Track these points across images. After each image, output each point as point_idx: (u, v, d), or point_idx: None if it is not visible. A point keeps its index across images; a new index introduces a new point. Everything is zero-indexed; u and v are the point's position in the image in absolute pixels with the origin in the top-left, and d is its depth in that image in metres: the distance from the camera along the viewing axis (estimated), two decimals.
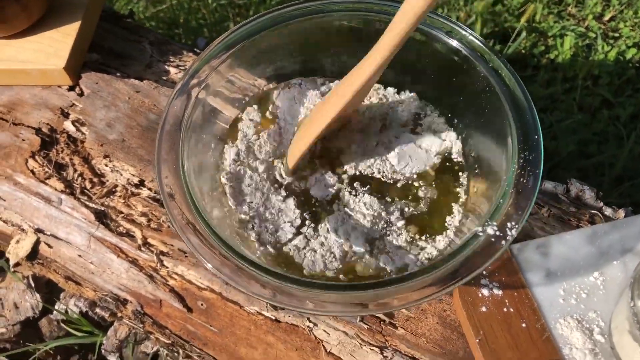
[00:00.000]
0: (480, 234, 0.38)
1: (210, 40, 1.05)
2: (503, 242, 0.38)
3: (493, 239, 0.38)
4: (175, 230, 0.41)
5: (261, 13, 0.50)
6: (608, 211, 0.53)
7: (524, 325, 0.44)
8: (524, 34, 1.04)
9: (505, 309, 0.44)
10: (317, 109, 0.48)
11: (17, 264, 0.59)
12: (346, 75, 0.44)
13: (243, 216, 0.46)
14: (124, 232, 0.55)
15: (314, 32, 0.51)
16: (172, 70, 0.65)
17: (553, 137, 0.95)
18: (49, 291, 0.61)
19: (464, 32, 0.47)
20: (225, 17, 1.13)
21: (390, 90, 0.54)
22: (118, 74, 0.64)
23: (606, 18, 1.12)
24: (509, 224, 0.38)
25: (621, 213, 0.52)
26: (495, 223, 0.38)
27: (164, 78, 0.64)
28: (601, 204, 0.54)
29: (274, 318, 0.50)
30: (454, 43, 0.47)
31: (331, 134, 0.50)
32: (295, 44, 0.52)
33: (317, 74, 0.55)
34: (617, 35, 1.10)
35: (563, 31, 1.09)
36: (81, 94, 0.63)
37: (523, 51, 1.07)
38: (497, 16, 1.11)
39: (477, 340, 0.43)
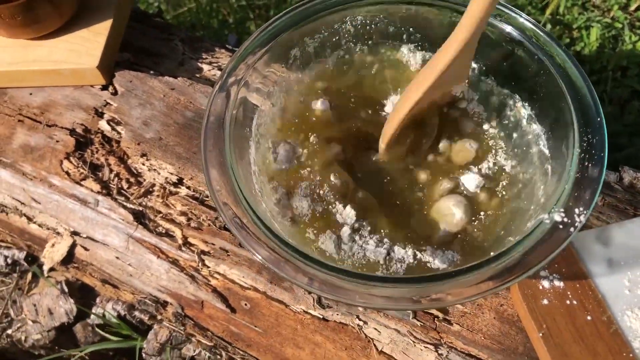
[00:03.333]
0: (547, 221, 0.37)
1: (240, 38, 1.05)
2: (572, 229, 0.36)
3: (561, 226, 0.36)
4: (225, 223, 0.39)
5: (293, 6, 0.48)
6: None
7: (589, 317, 0.42)
8: (548, 26, 1.02)
9: (568, 302, 0.43)
10: (405, 91, 0.46)
11: (51, 269, 0.58)
12: (431, 58, 0.42)
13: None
14: (164, 232, 0.54)
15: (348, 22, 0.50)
16: (205, 67, 0.64)
17: None
18: (82, 296, 0.60)
19: (513, 15, 0.45)
20: (246, 18, 1.12)
21: None
22: (152, 72, 0.63)
23: (632, 8, 1.10)
24: (576, 210, 0.37)
25: None
26: (562, 209, 0.37)
27: (197, 75, 0.63)
28: None
29: (321, 317, 0.49)
30: (507, 28, 0.45)
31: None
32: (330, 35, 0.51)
33: None
34: None
35: (588, 23, 1.07)
36: (115, 93, 0.62)
37: None
38: (520, 9, 1.09)
39: (540, 335, 0.41)
